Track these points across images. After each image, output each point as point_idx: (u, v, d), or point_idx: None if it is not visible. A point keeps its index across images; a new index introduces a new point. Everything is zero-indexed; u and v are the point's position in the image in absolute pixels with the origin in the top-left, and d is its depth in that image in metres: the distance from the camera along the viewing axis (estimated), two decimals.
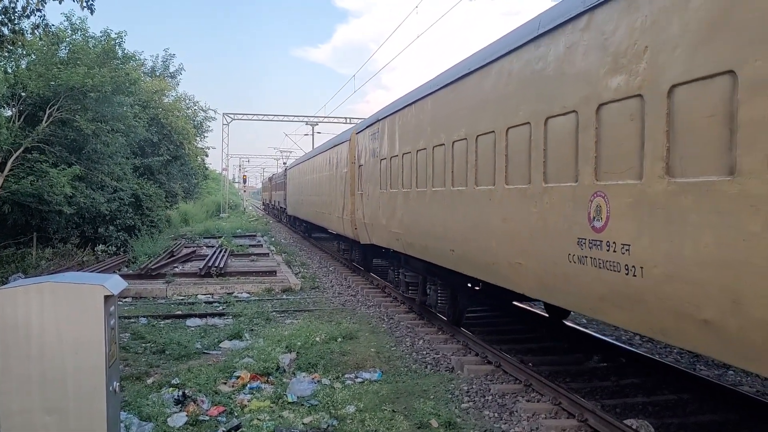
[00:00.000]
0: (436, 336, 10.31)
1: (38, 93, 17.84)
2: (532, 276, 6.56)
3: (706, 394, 7.11)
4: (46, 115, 17.93)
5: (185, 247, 23.90)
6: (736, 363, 4.29)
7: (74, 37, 19.86)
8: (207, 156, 44.43)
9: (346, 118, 48.09)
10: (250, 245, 25.98)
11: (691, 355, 9.01)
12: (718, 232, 3.93)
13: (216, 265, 17.39)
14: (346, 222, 16.73)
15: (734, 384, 7.70)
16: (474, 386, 7.70)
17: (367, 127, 14.71)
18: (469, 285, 9.94)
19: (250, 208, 78.59)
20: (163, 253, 20.57)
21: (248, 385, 7.61)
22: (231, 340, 10.03)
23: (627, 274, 4.79)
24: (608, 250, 5.04)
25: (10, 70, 17.94)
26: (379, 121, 13.33)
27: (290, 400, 7.13)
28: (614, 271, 4.95)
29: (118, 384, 5.08)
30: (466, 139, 8.27)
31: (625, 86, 4.90)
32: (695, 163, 4.18)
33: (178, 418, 6.47)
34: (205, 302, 13.84)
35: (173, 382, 7.66)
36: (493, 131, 7.41)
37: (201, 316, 12.01)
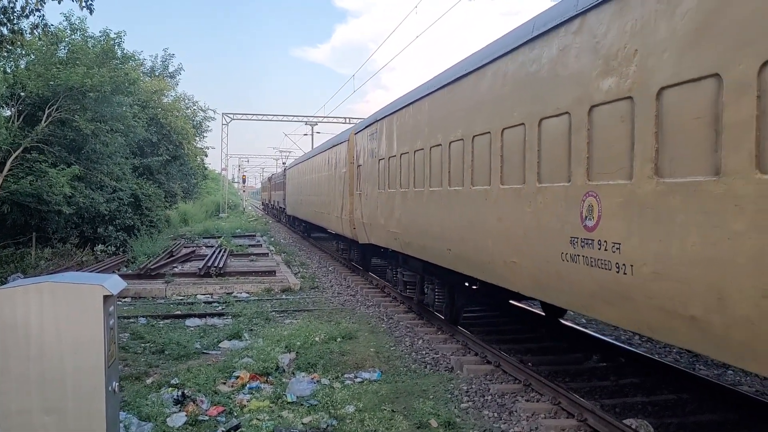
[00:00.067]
0: (435, 336, 10.33)
1: (37, 93, 17.87)
2: (527, 274, 6.63)
3: (705, 394, 7.12)
4: (45, 115, 17.98)
5: (184, 247, 23.95)
6: (720, 358, 4.39)
7: (73, 37, 19.91)
8: (206, 156, 44.51)
9: (345, 118, 48.05)
10: (249, 245, 26.02)
11: (690, 354, 9.03)
12: (704, 231, 4.02)
13: (215, 265, 17.43)
14: (344, 222, 16.79)
15: (733, 384, 7.70)
16: (473, 386, 7.72)
17: (365, 127, 14.78)
18: (467, 284, 10.01)
19: (250, 208, 78.59)
20: (163, 253, 20.61)
21: (248, 385, 7.61)
22: (230, 340, 10.04)
23: (618, 272, 4.87)
24: (600, 249, 5.12)
25: (9, 70, 17.96)
26: (377, 121, 13.40)
27: (290, 400, 7.14)
28: (605, 269, 5.03)
29: (117, 384, 5.08)
30: (462, 139, 8.34)
31: (615, 88, 4.98)
32: (683, 163, 4.27)
33: (178, 418, 6.47)
34: (205, 302, 13.87)
35: (172, 382, 7.67)
36: (489, 132, 7.48)
37: (200, 316, 12.03)
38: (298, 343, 9.17)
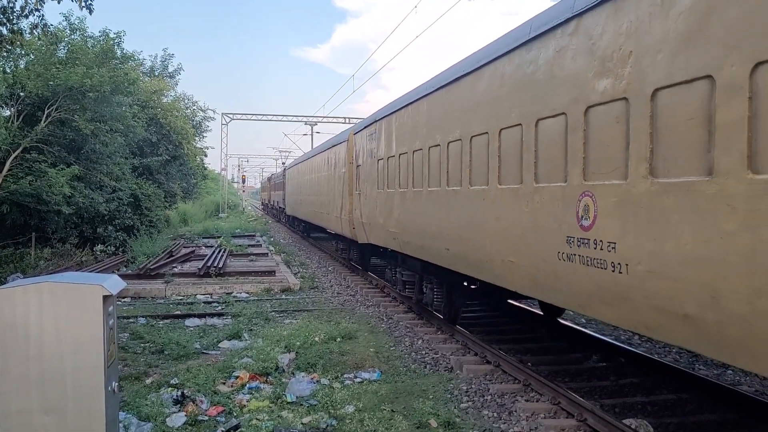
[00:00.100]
0: (435, 336, 10.33)
1: (37, 93, 17.90)
2: (524, 274, 6.67)
3: (705, 394, 7.12)
4: (45, 115, 18.01)
5: (184, 247, 23.97)
6: (714, 356, 4.44)
7: (73, 36, 19.95)
8: (206, 156, 44.59)
9: (345, 117, 48.06)
10: (249, 245, 26.04)
11: (690, 354, 9.04)
12: (697, 230, 4.07)
13: (215, 265, 17.46)
14: (344, 222, 16.83)
15: (733, 384, 7.71)
16: (473, 386, 7.72)
17: (364, 127, 14.82)
18: (465, 283, 10.04)
19: (249, 208, 78.60)
20: (162, 253, 20.64)
21: (247, 385, 7.62)
22: (230, 340, 10.05)
23: (613, 271, 4.92)
24: (595, 248, 5.16)
25: (8, 70, 17.98)
26: (376, 121, 13.43)
27: (289, 400, 7.14)
28: (601, 268, 5.07)
29: (116, 384, 5.08)
30: (460, 140, 8.37)
31: (611, 89, 5.02)
32: (676, 164, 4.31)
33: (177, 418, 6.47)
34: (204, 302, 13.89)
35: (172, 382, 7.67)
36: (487, 132, 7.52)
37: (200, 316, 12.05)
38: (298, 343, 9.18)
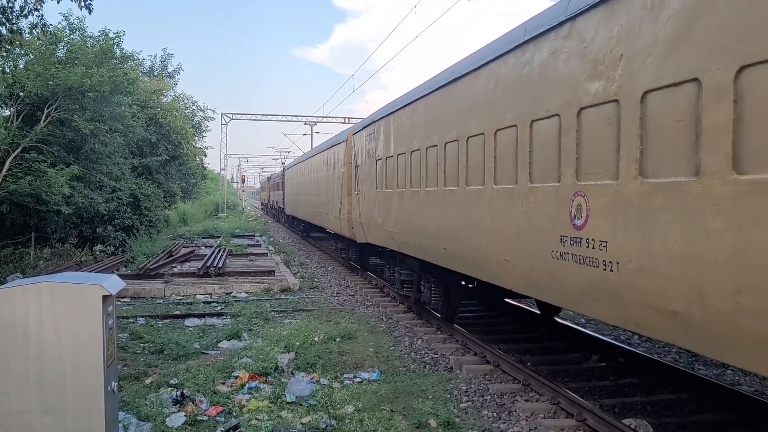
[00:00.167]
0: (434, 336, 10.34)
1: (36, 93, 17.93)
2: (519, 272, 6.74)
3: (704, 394, 7.13)
4: (44, 115, 18.04)
5: (184, 247, 24.02)
6: (700, 351, 4.53)
7: (72, 36, 19.98)
8: (205, 156, 44.65)
9: (344, 117, 48.09)
10: (248, 245, 26.07)
11: (689, 354, 9.04)
12: (684, 229, 4.16)
13: (214, 265, 17.50)
14: (343, 221, 16.89)
15: (732, 383, 7.72)
16: (472, 386, 7.73)
17: (363, 128, 14.88)
18: (463, 283, 10.09)
19: (249, 208, 78.59)
20: (162, 253, 20.69)
21: (247, 385, 7.63)
22: (229, 340, 10.06)
23: (605, 269, 5.00)
24: (588, 247, 5.24)
25: (8, 70, 18.01)
26: (375, 122, 13.50)
27: (289, 399, 7.15)
28: (593, 266, 5.15)
29: (116, 384, 5.10)
30: (457, 140, 8.44)
31: (602, 92, 5.10)
32: (665, 164, 4.40)
33: (177, 418, 6.48)
34: (204, 302, 13.93)
35: (171, 382, 7.69)
36: (483, 133, 7.59)
37: (199, 316, 12.07)
38: (297, 343, 9.19)
